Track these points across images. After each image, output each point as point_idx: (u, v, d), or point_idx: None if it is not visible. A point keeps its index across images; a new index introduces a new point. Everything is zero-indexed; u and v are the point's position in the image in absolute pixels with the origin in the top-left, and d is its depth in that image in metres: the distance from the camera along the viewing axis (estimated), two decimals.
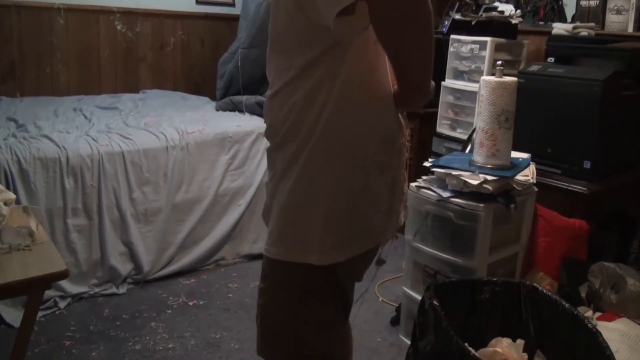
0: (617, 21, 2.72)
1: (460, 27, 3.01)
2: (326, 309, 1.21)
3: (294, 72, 1.09)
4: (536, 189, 2.13)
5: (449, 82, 3.06)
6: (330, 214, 1.13)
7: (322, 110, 1.08)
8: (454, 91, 3.05)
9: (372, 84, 1.13)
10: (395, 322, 2.37)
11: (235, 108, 3.31)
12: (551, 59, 2.48)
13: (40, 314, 2.26)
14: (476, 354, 1.28)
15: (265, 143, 3.02)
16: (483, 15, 2.98)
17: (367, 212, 1.17)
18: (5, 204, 1.44)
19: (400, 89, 1.13)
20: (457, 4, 3.34)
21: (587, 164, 2.19)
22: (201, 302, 2.53)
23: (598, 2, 2.78)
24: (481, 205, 1.90)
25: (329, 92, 1.08)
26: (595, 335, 1.30)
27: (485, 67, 2.81)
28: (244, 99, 3.28)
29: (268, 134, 1.19)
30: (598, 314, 1.96)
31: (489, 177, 1.90)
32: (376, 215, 1.18)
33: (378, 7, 0.96)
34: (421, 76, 1.07)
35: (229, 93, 3.42)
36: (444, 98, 3.09)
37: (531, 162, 2.13)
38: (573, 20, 2.93)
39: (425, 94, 1.12)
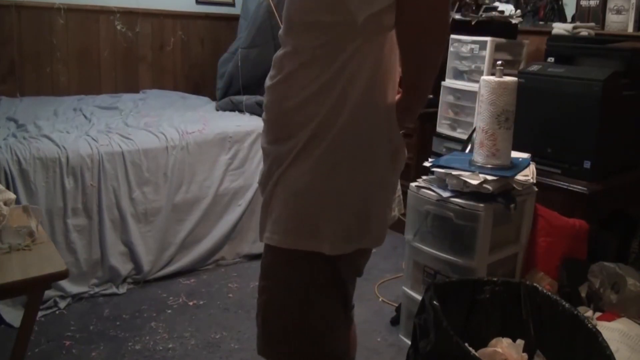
0: (617, 21, 2.72)
1: (460, 27, 3.00)
2: (329, 306, 1.21)
3: (318, 53, 1.08)
4: (536, 189, 2.13)
5: (449, 82, 3.06)
6: (347, 204, 1.13)
7: (346, 99, 1.09)
8: (454, 91, 3.05)
9: (387, 86, 1.15)
10: (395, 322, 2.37)
11: (235, 108, 3.31)
12: (551, 59, 2.48)
13: (40, 314, 2.26)
14: (476, 354, 1.28)
15: None
16: (483, 15, 2.99)
17: (378, 209, 1.19)
18: (5, 204, 1.44)
19: (407, 91, 1.16)
20: (457, 3, 3.34)
21: (587, 164, 2.19)
22: (201, 302, 2.53)
23: (598, 2, 2.78)
24: (481, 205, 1.90)
25: (355, 82, 1.09)
26: (595, 335, 1.30)
27: (485, 67, 2.81)
28: (244, 99, 3.28)
29: (277, 117, 1.15)
30: (598, 314, 1.96)
31: (489, 177, 1.90)
32: (384, 213, 1.21)
33: (407, 13, 1.04)
34: (429, 81, 1.15)
35: (229, 93, 3.42)
36: (444, 98, 3.09)
37: (531, 162, 2.13)
38: (573, 20, 2.93)
39: (426, 98, 1.20)
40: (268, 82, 1.17)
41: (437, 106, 3.12)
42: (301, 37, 1.10)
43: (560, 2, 3.09)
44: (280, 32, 1.15)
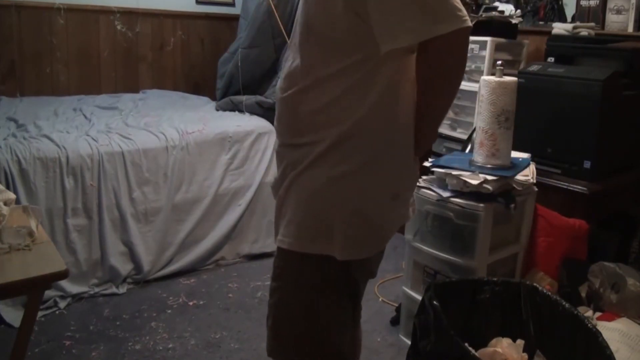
0: (617, 21, 2.72)
1: None
2: (338, 307, 1.22)
3: (339, 66, 1.10)
4: (536, 189, 2.13)
5: None
6: (360, 211, 1.14)
7: (367, 110, 1.11)
8: None
9: (407, 101, 1.18)
10: (395, 322, 2.37)
11: (235, 108, 3.31)
12: (551, 59, 2.48)
13: (40, 314, 2.26)
14: (476, 354, 1.28)
15: (265, 143, 3.03)
16: (483, 15, 2.98)
17: (390, 217, 1.21)
18: (5, 204, 1.44)
19: (420, 117, 1.19)
20: None
21: (587, 164, 2.19)
22: (201, 302, 2.53)
23: (598, 2, 2.77)
24: (481, 205, 1.90)
25: (374, 94, 1.11)
26: (595, 335, 1.30)
27: (485, 67, 2.81)
28: (244, 98, 3.28)
29: (293, 123, 1.17)
30: (598, 314, 1.95)
31: (489, 177, 1.90)
32: (396, 219, 1.24)
33: (430, 56, 1.09)
34: (442, 112, 1.22)
35: (229, 93, 3.42)
36: None
37: (531, 162, 2.13)
38: (573, 20, 2.93)
39: (437, 125, 1.26)
40: (279, 93, 1.18)
41: None
42: (321, 52, 1.11)
43: (560, 2, 3.09)
44: (295, 41, 1.15)
